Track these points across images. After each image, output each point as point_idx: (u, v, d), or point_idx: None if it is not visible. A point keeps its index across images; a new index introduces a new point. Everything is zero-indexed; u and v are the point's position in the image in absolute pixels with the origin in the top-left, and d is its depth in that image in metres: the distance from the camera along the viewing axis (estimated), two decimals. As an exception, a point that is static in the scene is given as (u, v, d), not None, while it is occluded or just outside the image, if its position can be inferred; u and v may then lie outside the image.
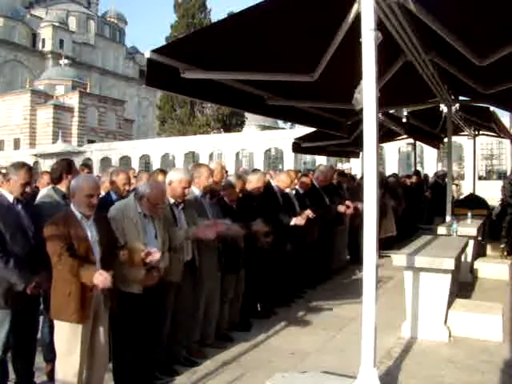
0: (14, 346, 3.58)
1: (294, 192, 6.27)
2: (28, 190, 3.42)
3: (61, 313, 3.02)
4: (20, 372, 3.54)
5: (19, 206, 3.35)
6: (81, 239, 3.01)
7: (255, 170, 7.23)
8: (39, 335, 3.93)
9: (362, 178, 8.99)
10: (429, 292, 4.52)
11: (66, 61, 54.22)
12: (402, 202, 9.95)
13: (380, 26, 2.90)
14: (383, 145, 20.83)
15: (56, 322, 3.08)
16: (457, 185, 13.53)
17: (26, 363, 3.55)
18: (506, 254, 7.98)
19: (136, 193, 3.62)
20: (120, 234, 3.39)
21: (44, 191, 4.13)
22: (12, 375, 3.58)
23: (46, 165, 33.92)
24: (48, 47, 58.88)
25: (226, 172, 5.24)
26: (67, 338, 3.02)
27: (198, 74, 3.67)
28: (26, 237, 3.30)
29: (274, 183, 5.88)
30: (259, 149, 31.04)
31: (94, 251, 3.07)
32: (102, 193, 4.37)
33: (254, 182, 5.23)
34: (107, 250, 3.14)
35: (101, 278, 2.85)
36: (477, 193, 10.92)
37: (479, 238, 7.42)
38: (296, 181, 6.52)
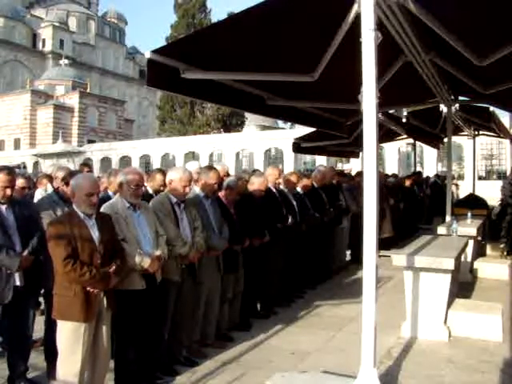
0: (10, 342, 3.63)
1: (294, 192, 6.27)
2: (9, 192, 3.47)
3: (66, 313, 3.02)
4: (15, 367, 3.58)
5: (3, 207, 3.50)
6: (85, 239, 3.02)
7: (258, 172, 7.16)
8: (41, 335, 3.95)
9: (358, 174, 9.04)
10: (429, 292, 4.52)
11: (66, 61, 54.20)
12: (400, 203, 9.98)
13: (380, 26, 2.90)
14: (383, 145, 20.83)
15: (59, 322, 3.08)
16: (456, 185, 13.53)
17: (21, 358, 3.60)
18: (505, 253, 7.98)
19: (118, 185, 3.62)
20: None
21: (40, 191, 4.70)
22: (3, 374, 3.61)
23: (47, 165, 33.91)
24: (48, 47, 58.89)
25: (228, 175, 5.24)
26: (69, 337, 3.03)
27: (198, 74, 3.68)
28: (6, 233, 3.45)
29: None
30: (259, 149, 31.02)
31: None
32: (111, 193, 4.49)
33: (256, 184, 5.24)
34: (109, 249, 3.15)
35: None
36: (477, 193, 10.92)
37: (479, 238, 7.42)
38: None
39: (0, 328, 3.99)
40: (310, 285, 6.51)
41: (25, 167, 35.56)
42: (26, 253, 3.46)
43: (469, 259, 6.70)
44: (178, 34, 33.81)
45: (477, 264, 7.04)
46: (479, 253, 7.56)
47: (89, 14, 66.53)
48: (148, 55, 3.23)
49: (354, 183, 8.53)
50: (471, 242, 6.50)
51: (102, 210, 3.46)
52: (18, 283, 3.47)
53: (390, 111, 7.19)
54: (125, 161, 35.16)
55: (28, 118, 50.17)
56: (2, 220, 3.47)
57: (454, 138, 12.03)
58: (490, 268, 6.99)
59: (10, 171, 3.57)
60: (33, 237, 3.53)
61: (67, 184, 3.82)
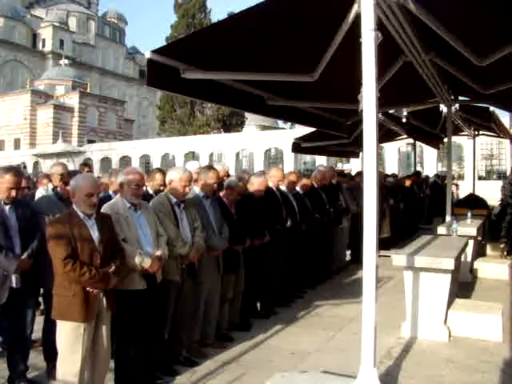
0: (9, 342, 3.65)
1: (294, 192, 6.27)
2: (14, 193, 3.46)
3: (65, 314, 3.02)
4: (15, 367, 3.58)
5: (6, 207, 3.48)
6: (85, 239, 3.02)
7: (258, 172, 7.14)
8: (40, 335, 3.95)
9: (358, 174, 9.04)
10: (429, 292, 4.52)
11: (66, 61, 54.24)
12: (400, 203, 9.98)
13: (380, 26, 2.90)
14: (383, 145, 20.84)
15: (58, 322, 3.08)
16: (456, 185, 13.53)
17: (20, 358, 3.61)
18: (505, 253, 7.98)
19: (118, 185, 3.62)
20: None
21: (40, 191, 4.86)
22: (3, 374, 3.62)
23: (47, 165, 33.92)
24: (48, 47, 58.91)
25: (228, 176, 5.23)
26: (69, 337, 3.03)
27: (198, 74, 3.67)
28: (7, 234, 3.45)
29: (269, 183, 5.86)
30: (259, 149, 31.04)
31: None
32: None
33: (256, 185, 5.23)
34: (109, 249, 3.15)
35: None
36: (477, 193, 10.92)
37: (479, 238, 7.42)
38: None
39: (0, 328, 3.99)
40: (310, 285, 6.50)
41: (25, 167, 35.58)
42: (25, 256, 3.45)
43: (469, 259, 6.69)
44: (178, 33, 33.83)
45: (477, 264, 7.04)
46: (479, 253, 7.56)
47: (89, 14, 66.54)
48: (148, 55, 3.23)
49: (354, 183, 8.53)
50: (471, 242, 6.50)
51: (102, 210, 3.46)
52: (13, 285, 3.46)
53: (390, 111, 7.18)
54: (125, 161, 35.17)
55: (28, 118, 50.18)
56: (4, 221, 3.46)
57: (454, 138, 12.04)
58: (490, 268, 6.99)
59: (18, 173, 3.56)
60: (34, 238, 3.53)
61: (65, 184, 3.83)
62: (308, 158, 30.88)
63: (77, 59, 59.86)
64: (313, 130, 8.27)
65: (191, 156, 32.79)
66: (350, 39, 3.08)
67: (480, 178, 23.03)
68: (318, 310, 5.64)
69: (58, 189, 4.01)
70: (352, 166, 23.47)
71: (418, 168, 20.25)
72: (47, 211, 3.73)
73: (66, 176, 3.94)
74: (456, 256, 4.61)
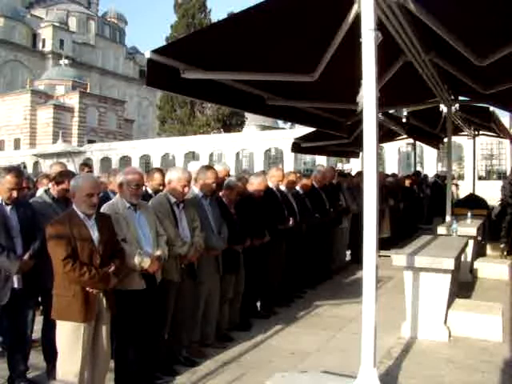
0: (10, 342, 3.66)
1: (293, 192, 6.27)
2: (15, 194, 3.47)
3: (65, 314, 3.03)
4: (15, 367, 3.59)
5: (7, 208, 3.50)
6: (85, 239, 3.03)
7: (257, 172, 7.13)
8: (39, 335, 3.95)
9: (358, 174, 9.04)
10: (429, 292, 4.52)
11: (66, 61, 54.25)
12: (400, 203, 9.99)
13: (380, 26, 2.90)
14: (383, 145, 20.83)
15: (58, 322, 3.08)
16: (456, 185, 13.53)
17: (20, 358, 3.61)
18: (505, 253, 7.98)
19: (118, 185, 3.62)
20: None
21: (40, 192, 4.72)
22: (3, 374, 3.62)
23: (47, 165, 33.91)
24: (48, 47, 58.89)
25: (229, 176, 5.22)
26: (69, 337, 3.03)
27: (198, 74, 3.67)
28: (9, 235, 3.46)
29: (269, 183, 5.86)
30: (259, 149, 31.01)
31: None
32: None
33: (255, 185, 5.23)
34: (108, 249, 3.15)
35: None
36: (477, 193, 10.92)
37: (479, 238, 7.42)
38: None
39: (0, 328, 3.99)
40: (310, 285, 6.51)
41: (25, 167, 35.58)
42: (26, 256, 3.46)
43: (469, 259, 6.69)
44: (178, 33, 33.78)
45: (477, 264, 7.04)
46: (479, 253, 7.56)
47: (89, 14, 66.53)
48: (148, 55, 3.23)
49: (354, 183, 8.53)
50: (471, 242, 6.50)
51: (101, 209, 3.45)
52: (15, 285, 3.47)
53: (390, 111, 7.18)
54: (125, 161, 35.14)
55: (28, 117, 50.17)
56: (5, 221, 3.46)
57: (454, 138, 12.04)
58: (490, 268, 6.99)
59: (19, 173, 3.56)
60: (35, 238, 3.53)
61: (57, 184, 3.83)
62: (308, 158, 30.85)
63: (77, 59, 59.82)
64: (313, 129, 8.26)
65: (191, 156, 32.76)
66: (350, 39, 3.08)
67: (480, 178, 22.99)
68: (318, 309, 5.65)
69: (51, 189, 4.00)
70: (352, 165, 23.48)
71: (418, 168, 20.24)
72: (41, 212, 3.71)
73: (58, 176, 3.93)
74: (456, 256, 4.62)
